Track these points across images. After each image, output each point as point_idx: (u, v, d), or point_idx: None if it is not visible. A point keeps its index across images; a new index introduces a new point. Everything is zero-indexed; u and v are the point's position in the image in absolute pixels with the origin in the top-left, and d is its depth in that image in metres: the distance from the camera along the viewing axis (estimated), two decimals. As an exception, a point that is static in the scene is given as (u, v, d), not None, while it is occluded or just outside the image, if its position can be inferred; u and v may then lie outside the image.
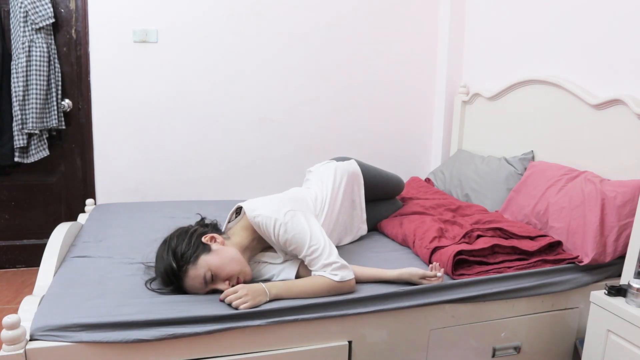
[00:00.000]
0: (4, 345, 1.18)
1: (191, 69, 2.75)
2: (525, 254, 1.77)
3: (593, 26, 2.10)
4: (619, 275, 1.69)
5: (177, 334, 1.28)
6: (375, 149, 3.13)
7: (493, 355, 1.71)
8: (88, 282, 1.49)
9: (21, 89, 2.47)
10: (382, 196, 2.19)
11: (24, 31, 2.45)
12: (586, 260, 1.74)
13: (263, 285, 1.42)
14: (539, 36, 2.40)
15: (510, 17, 2.60)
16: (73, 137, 2.74)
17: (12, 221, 2.76)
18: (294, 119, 2.96)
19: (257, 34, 2.81)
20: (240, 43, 2.79)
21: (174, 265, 1.39)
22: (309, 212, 1.61)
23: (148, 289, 1.45)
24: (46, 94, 2.55)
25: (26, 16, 2.44)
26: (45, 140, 2.63)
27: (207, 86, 2.79)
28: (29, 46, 2.46)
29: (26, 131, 2.53)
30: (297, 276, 1.55)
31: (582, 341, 1.61)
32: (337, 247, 1.86)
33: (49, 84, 2.55)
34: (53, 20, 2.49)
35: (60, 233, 1.82)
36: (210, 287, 1.42)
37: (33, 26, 2.45)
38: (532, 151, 2.39)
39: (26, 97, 2.49)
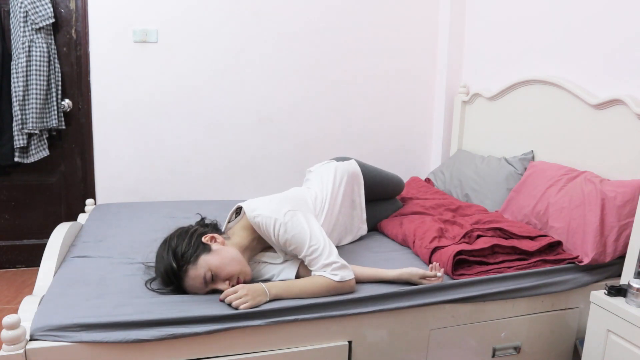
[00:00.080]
0: (4, 345, 1.18)
1: (191, 69, 2.75)
2: (525, 254, 1.77)
3: (593, 26, 2.10)
4: (619, 275, 1.69)
5: (177, 334, 1.29)
6: (375, 148, 3.13)
7: (493, 355, 1.71)
8: (88, 282, 1.49)
9: (21, 89, 2.47)
10: (382, 196, 2.19)
11: (24, 31, 2.45)
12: (586, 260, 1.74)
13: (263, 285, 1.42)
14: (539, 36, 2.40)
15: (510, 17, 2.60)
16: (73, 137, 2.74)
17: (12, 221, 2.76)
18: (293, 119, 2.96)
19: (256, 33, 2.81)
20: (240, 42, 2.79)
21: (174, 265, 1.39)
22: (308, 212, 1.61)
23: (148, 289, 1.45)
24: (46, 94, 2.55)
25: (26, 16, 2.44)
26: (45, 140, 2.63)
27: (207, 86, 2.79)
28: (29, 46, 2.46)
29: (26, 131, 2.53)
30: (297, 276, 1.55)
31: (582, 341, 1.61)
32: (337, 247, 1.86)
33: (49, 84, 2.55)
34: (53, 20, 2.49)
35: (60, 233, 1.82)
36: (210, 287, 1.42)
37: (33, 26, 2.45)
38: (532, 151, 2.39)
39: (26, 97, 2.49)
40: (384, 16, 2.98)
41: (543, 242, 1.81)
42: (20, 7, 2.43)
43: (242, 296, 1.36)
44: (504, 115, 2.60)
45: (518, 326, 1.72)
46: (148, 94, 2.72)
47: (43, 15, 2.46)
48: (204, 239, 1.45)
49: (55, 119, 2.59)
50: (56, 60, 2.59)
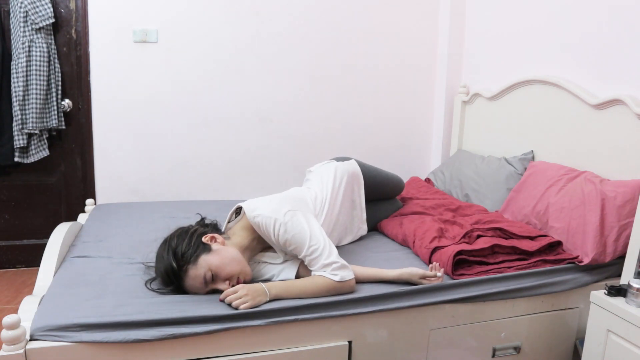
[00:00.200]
0: (4, 345, 1.18)
1: (191, 69, 2.75)
2: (525, 254, 1.77)
3: (593, 26, 2.10)
4: (619, 275, 1.69)
5: (177, 334, 1.28)
6: (375, 148, 3.13)
7: (493, 355, 1.71)
8: (88, 282, 1.49)
9: (21, 89, 2.47)
10: (382, 196, 2.19)
11: (24, 31, 2.45)
12: (586, 260, 1.74)
13: (263, 285, 1.42)
14: (539, 36, 2.40)
15: (510, 17, 2.60)
16: (73, 137, 2.74)
17: (12, 221, 2.76)
18: (294, 119, 2.96)
19: (256, 33, 2.81)
20: (240, 42, 2.79)
21: (174, 265, 1.39)
22: (308, 212, 1.61)
23: (148, 289, 1.45)
24: (46, 94, 2.55)
25: (26, 16, 2.44)
26: (45, 140, 2.63)
27: (207, 86, 2.79)
28: (29, 46, 2.46)
29: (26, 131, 2.53)
30: (297, 276, 1.55)
31: (582, 341, 1.61)
32: (337, 247, 1.86)
33: (49, 84, 2.55)
34: (53, 20, 2.49)
35: (60, 233, 1.82)
36: (211, 287, 1.42)
37: (33, 26, 2.45)
38: (532, 151, 2.39)
39: (26, 97, 2.49)
40: (384, 16, 2.98)
41: (543, 242, 1.81)
42: (20, 7, 2.43)
43: (242, 296, 1.36)
44: (504, 115, 2.60)
45: (518, 326, 1.72)
46: (148, 94, 2.72)
47: (43, 15, 2.46)
48: (204, 239, 1.45)
49: (55, 119, 2.59)
50: (56, 60, 2.59)
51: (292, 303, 1.41)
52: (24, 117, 2.50)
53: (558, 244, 1.83)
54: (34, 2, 2.43)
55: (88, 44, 2.62)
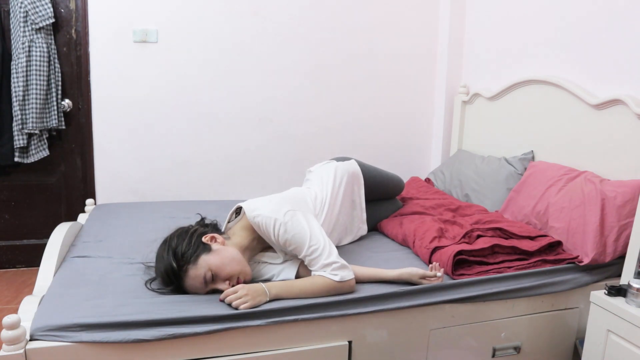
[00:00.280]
0: (4, 345, 1.18)
1: (191, 68, 2.75)
2: (525, 254, 1.77)
3: (593, 26, 2.10)
4: (619, 275, 1.69)
5: (177, 334, 1.28)
6: (376, 148, 3.13)
7: (493, 355, 1.71)
8: (88, 282, 1.49)
9: (21, 89, 2.47)
10: (382, 196, 2.19)
11: (24, 31, 2.45)
12: (586, 260, 1.74)
13: (263, 285, 1.42)
14: (539, 36, 2.40)
15: (510, 17, 2.60)
16: (73, 137, 2.74)
17: (12, 221, 2.76)
18: (294, 119, 2.96)
19: (256, 33, 2.81)
20: (240, 43, 2.80)
21: (174, 264, 1.39)
22: (308, 212, 1.61)
23: (148, 289, 1.45)
24: (46, 94, 2.55)
25: (26, 16, 2.44)
26: (45, 140, 2.63)
27: (207, 86, 2.79)
28: (29, 46, 2.46)
29: (26, 131, 2.53)
30: (297, 276, 1.55)
31: (582, 341, 1.61)
32: (337, 247, 1.86)
33: (49, 84, 2.55)
34: (53, 20, 2.49)
35: (60, 233, 1.82)
36: (211, 287, 1.42)
37: (33, 26, 2.45)
38: (532, 151, 2.39)
39: (26, 97, 2.49)
40: (384, 16, 2.98)
41: (543, 242, 1.81)
42: (20, 7, 2.43)
43: (242, 296, 1.36)
44: (504, 115, 2.60)
45: (518, 326, 1.72)
46: (148, 94, 2.72)
47: (43, 15, 2.46)
48: (204, 239, 1.45)
49: (55, 119, 2.59)
50: (56, 60, 2.59)
51: (292, 303, 1.41)
52: (24, 117, 2.51)
53: (558, 244, 1.83)
54: (34, 2, 2.43)
55: (88, 44, 2.62)
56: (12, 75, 2.50)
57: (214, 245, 1.45)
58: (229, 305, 1.36)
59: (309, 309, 1.42)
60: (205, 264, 1.40)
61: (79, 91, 2.69)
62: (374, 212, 2.12)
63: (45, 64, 2.51)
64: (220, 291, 1.41)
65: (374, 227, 2.17)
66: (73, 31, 2.63)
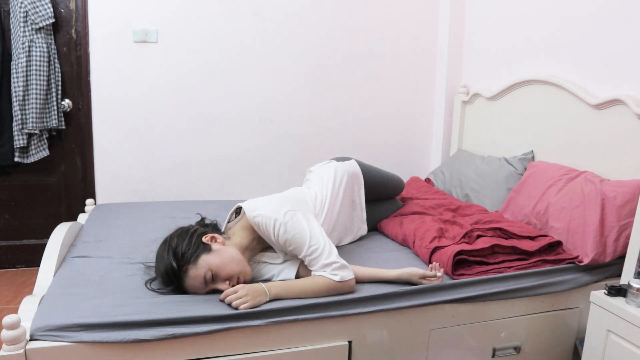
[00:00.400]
0: (4, 345, 1.18)
1: (191, 68, 2.75)
2: (525, 254, 1.77)
3: (593, 26, 2.10)
4: (619, 275, 1.69)
5: (177, 334, 1.28)
6: (376, 148, 3.13)
7: (493, 355, 1.71)
8: (88, 282, 1.49)
9: (21, 89, 2.47)
10: (382, 196, 2.19)
11: (24, 31, 2.45)
12: (586, 260, 1.74)
13: (263, 285, 1.42)
14: (539, 36, 2.40)
15: (510, 17, 2.60)
16: (73, 137, 2.74)
17: (12, 221, 2.76)
18: (293, 119, 2.96)
19: (256, 33, 2.81)
20: (240, 42, 2.80)
21: (174, 265, 1.39)
22: (308, 212, 1.61)
23: (148, 289, 1.45)
24: (46, 94, 2.55)
25: (26, 16, 2.44)
26: (45, 140, 2.63)
27: (207, 86, 2.79)
28: (29, 46, 2.46)
29: (26, 131, 2.53)
30: (297, 276, 1.55)
31: (582, 341, 1.61)
32: (337, 247, 1.86)
33: (49, 84, 2.55)
34: (53, 20, 2.49)
35: (60, 233, 1.82)
36: (211, 287, 1.42)
37: (33, 26, 2.45)
38: (532, 151, 2.39)
39: (26, 97, 2.49)
40: (384, 16, 2.98)
41: (543, 242, 1.81)
42: (20, 7, 2.43)
43: (242, 296, 1.36)
44: (504, 115, 2.60)
45: (518, 326, 1.72)
46: (148, 94, 2.72)
47: (43, 15, 2.46)
48: (204, 239, 1.45)
49: (55, 119, 2.59)
50: (56, 60, 2.59)
51: (292, 303, 1.41)
52: (24, 117, 2.50)
53: (558, 244, 1.83)
54: (34, 2, 2.43)
55: (88, 44, 2.62)
56: (12, 75, 2.50)
57: (214, 245, 1.45)
58: (229, 305, 1.36)
59: (308, 309, 1.42)
60: (205, 264, 1.40)
61: (79, 91, 2.69)
62: (374, 212, 2.12)
63: (45, 64, 2.51)
64: (220, 291, 1.41)
65: (374, 227, 2.17)
66: (73, 31, 2.63)
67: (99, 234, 1.96)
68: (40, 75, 2.50)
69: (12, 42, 2.50)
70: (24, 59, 2.45)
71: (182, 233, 1.47)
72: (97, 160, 2.74)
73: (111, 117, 2.70)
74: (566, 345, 1.82)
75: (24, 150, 2.59)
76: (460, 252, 1.67)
